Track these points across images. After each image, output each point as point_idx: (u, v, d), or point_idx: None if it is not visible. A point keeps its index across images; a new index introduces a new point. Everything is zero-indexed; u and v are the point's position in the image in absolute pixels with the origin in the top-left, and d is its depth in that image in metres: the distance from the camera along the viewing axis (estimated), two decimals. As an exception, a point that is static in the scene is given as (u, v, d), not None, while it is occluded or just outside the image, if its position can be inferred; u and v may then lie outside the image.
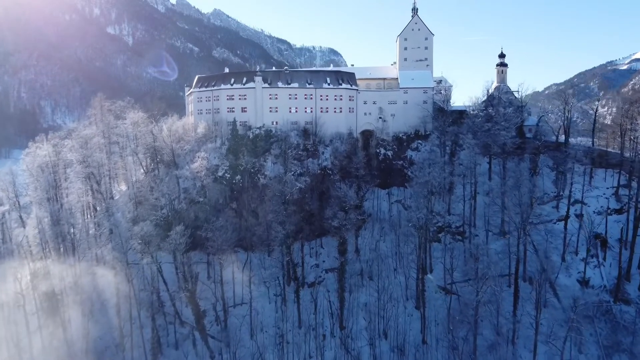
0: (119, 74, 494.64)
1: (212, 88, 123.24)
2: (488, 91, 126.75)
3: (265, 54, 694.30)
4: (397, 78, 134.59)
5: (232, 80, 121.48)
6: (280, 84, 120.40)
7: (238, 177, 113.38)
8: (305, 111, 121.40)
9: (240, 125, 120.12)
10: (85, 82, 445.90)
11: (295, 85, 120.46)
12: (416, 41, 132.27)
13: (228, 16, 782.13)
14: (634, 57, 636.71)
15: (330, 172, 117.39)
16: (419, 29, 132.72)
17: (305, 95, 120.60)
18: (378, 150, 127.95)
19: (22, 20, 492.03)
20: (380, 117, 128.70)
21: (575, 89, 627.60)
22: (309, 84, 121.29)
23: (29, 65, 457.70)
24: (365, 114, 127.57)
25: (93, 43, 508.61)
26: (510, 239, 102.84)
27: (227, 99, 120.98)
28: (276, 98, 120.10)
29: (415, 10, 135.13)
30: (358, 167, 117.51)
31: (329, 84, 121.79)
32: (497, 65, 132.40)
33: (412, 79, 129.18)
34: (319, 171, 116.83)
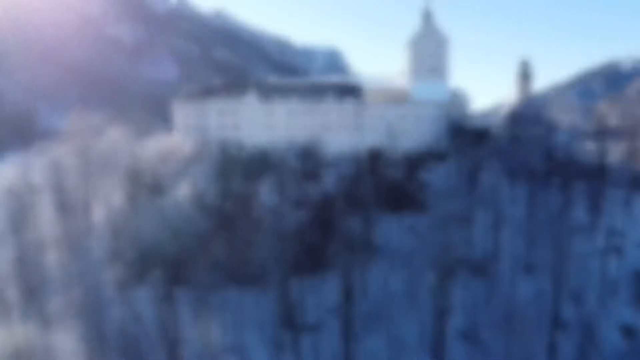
0: (117, 75, 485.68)
1: (200, 102, 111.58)
2: (510, 107, 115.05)
3: (266, 54, 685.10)
4: (408, 88, 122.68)
5: (223, 93, 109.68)
6: (277, 98, 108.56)
7: (229, 204, 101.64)
8: (306, 129, 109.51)
9: (231, 144, 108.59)
10: (83, 84, 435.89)
11: (295, 99, 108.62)
12: (429, 48, 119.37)
13: (229, 17, 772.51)
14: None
15: (333, 199, 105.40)
16: (432, 34, 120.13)
17: (306, 111, 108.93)
18: (387, 172, 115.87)
19: (20, 20, 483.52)
20: (389, 134, 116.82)
21: (578, 89, 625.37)
22: (310, 98, 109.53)
23: (25, 66, 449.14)
24: (372, 130, 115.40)
25: (92, 44, 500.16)
26: (540, 277, 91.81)
27: (217, 115, 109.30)
28: (273, 114, 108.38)
29: (427, 13, 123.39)
30: (365, 194, 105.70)
31: (332, 98, 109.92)
32: (520, 75, 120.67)
33: (425, 91, 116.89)
34: (320, 198, 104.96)
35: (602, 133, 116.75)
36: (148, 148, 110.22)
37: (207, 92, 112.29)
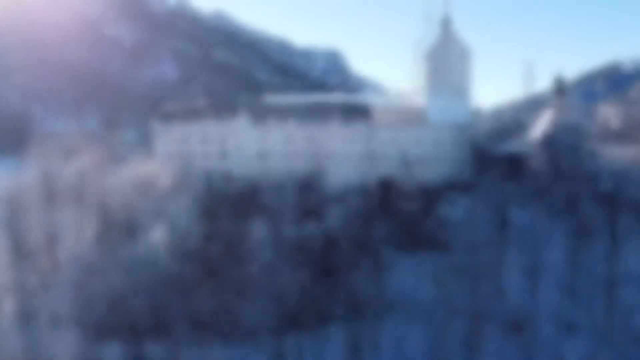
0: (116, 76, 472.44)
1: (182, 124, 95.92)
2: (545, 130, 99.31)
3: (266, 55, 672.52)
4: (424, 108, 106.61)
5: (209, 115, 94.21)
6: (272, 121, 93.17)
7: (215, 247, 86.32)
8: (306, 157, 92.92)
9: (219, 176, 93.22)
10: (80, 86, 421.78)
11: (293, 122, 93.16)
12: (449, 61, 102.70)
13: (229, 17, 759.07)
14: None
15: (338, 240, 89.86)
16: (452, 45, 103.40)
17: (306, 135, 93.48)
18: (401, 206, 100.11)
19: (17, 20, 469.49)
20: (403, 162, 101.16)
21: (580, 90, 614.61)
22: (311, 121, 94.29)
23: (21, 67, 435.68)
24: (384, 158, 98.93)
25: (90, 44, 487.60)
26: (585, 337, 76.72)
27: (202, 141, 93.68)
28: (267, 140, 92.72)
29: (446, 20, 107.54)
30: (376, 233, 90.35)
31: (337, 120, 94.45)
32: (555, 91, 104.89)
33: (445, 112, 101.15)
34: (323, 240, 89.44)
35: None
36: (122, 178, 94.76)
37: (190, 113, 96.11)
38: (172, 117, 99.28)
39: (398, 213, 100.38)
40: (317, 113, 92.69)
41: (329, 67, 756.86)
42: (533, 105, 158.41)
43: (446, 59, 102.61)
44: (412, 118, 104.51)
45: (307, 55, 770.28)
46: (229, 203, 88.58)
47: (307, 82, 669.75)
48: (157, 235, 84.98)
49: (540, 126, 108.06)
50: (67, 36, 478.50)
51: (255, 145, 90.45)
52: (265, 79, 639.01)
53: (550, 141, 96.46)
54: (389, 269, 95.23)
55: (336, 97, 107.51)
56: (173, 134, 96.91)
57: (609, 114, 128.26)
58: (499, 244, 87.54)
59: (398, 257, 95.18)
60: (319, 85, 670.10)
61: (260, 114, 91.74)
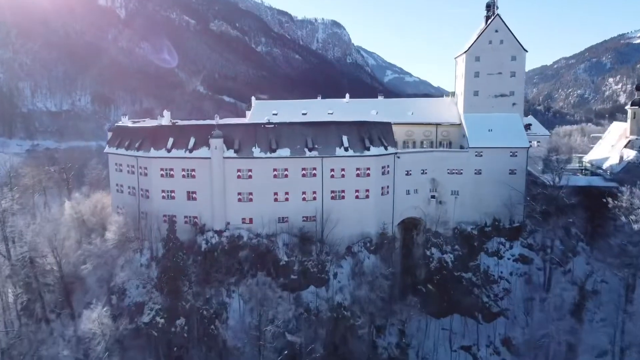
0: (109, 49, 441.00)
1: (137, 151, 69.97)
2: (622, 158, 72.95)
3: (265, 27, 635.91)
4: (460, 124, 79.68)
5: (171, 140, 68.03)
6: (256, 151, 66.61)
7: (180, 322, 61.43)
8: (304, 199, 65.49)
9: (185, 224, 67.18)
10: (70, 61, 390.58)
11: (286, 152, 66.67)
12: (496, 62, 75.10)
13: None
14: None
15: (347, 311, 64.93)
16: (501, 43, 75.24)
17: (304, 170, 65.34)
18: (429, 253, 74.78)
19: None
20: (433, 197, 75.15)
21: (587, 64, 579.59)
22: (311, 149, 67.53)
23: (7, 42, 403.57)
24: (407, 192, 71.89)
25: (82, 15, 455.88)
26: None
27: (162, 175, 67.65)
28: (250, 176, 65.75)
29: (492, 6, 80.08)
30: (396, 293, 65.53)
31: (346, 148, 68.24)
32: (634, 104, 78.27)
33: (490, 130, 74.44)
34: (328, 314, 64.39)
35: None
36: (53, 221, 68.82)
37: (150, 137, 70.21)
38: (125, 137, 73.02)
39: (426, 263, 74.99)
40: (319, 137, 66.29)
41: (330, 39, 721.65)
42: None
43: (491, 60, 75.39)
44: (444, 134, 78.32)
45: (307, 26, 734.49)
46: (199, 264, 63.22)
47: (308, 54, 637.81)
48: (101, 313, 60.01)
49: (610, 146, 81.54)
50: (57, 6, 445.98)
51: (235, 183, 64.04)
52: (265, 51, 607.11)
53: (629, 171, 70.56)
54: (412, 331, 71.10)
55: (344, 116, 79.43)
56: (127, 162, 71.12)
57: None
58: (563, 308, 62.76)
59: (427, 324, 70.54)
60: (320, 58, 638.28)
61: (242, 140, 65.11)
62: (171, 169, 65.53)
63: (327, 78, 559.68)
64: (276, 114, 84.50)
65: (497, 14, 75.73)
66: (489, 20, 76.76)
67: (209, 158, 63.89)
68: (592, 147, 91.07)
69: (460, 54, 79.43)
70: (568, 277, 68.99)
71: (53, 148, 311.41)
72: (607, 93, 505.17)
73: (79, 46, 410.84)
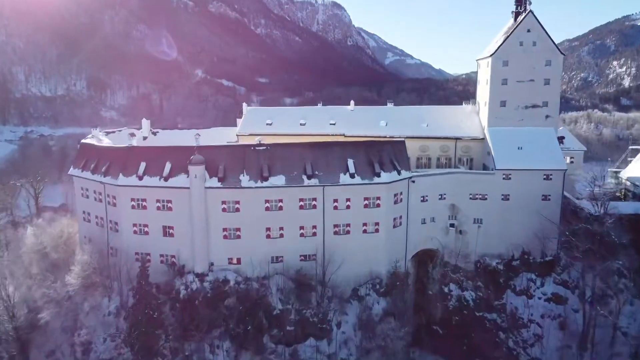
0: (105, 32, 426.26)
1: (104, 177, 58.27)
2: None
3: (265, 8, 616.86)
4: (483, 139, 67.10)
5: (143, 165, 55.52)
6: (245, 179, 54.84)
7: None
8: (302, 234, 54.47)
9: (161, 264, 55.42)
10: (64, 44, 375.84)
11: (280, 179, 55.06)
12: (527, 68, 62.82)
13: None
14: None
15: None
16: (533, 45, 62.66)
17: (302, 201, 53.68)
18: (447, 289, 64.21)
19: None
20: (452, 226, 64.27)
21: (590, 46, 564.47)
22: (310, 176, 55.08)
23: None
24: (423, 220, 60.76)
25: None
26: None
27: (133, 207, 56.71)
28: (237, 209, 54.13)
29: (524, 2, 67.54)
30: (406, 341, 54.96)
31: (352, 174, 56.11)
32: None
33: (520, 148, 62.74)
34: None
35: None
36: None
37: (118, 160, 57.29)
38: (92, 158, 61.30)
39: (441, 296, 64.44)
40: (319, 162, 54.95)
41: (330, 21, 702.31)
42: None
43: (522, 63, 63.41)
44: (464, 149, 67.05)
45: (307, 6, 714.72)
46: (178, 314, 52.63)
47: (308, 36, 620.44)
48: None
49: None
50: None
51: (219, 217, 52.66)
52: (264, 33, 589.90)
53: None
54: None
55: (347, 134, 67.83)
56: (93, 187, 57.92)
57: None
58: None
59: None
60: (320, 40, 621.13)
61: (226, 166, 53.72)
62: (143, 200, 54.31)
63: (327, 61, 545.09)
64: (270, 124, 72.86)
65: (530, 10, 63.35)
66: (520, 18, 64.18)
67: (188, 188, 52.94)
68: (628, 159, 79.46)
69: (484, 57, 66.97)
70: (612, 320, 58.58)
71: (47, 135, 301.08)
72: (611, 76, 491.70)
73: (74, 28, 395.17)
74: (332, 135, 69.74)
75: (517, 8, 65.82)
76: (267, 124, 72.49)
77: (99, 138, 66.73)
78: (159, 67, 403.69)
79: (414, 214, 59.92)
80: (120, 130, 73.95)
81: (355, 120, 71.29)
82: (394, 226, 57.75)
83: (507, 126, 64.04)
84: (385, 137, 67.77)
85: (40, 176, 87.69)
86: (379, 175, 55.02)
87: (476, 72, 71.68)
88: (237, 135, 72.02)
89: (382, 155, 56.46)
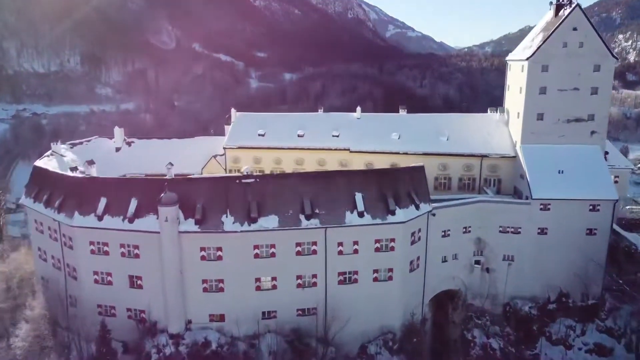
0: (99, 4, 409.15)
1: (57, 212, 46.00)
2: None
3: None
4: (514, 157, 56.59)
5: (104, 201, 43.37)
6: (229, 221, 43.11)
7: None
8: (300, 285, 44.08)
9: (129, 319, 45.15)
10: (57, 18, 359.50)
11: (272, 220, 43.13)
12: (572, 74, 51.24)
13: None
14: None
15: None
16: (580, 46, 51.08)
17: (300, 245, 43.47)
18: (470, 335, 54.40)
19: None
20: (477, 263, 53.98)
21: (596, 19, 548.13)
22: (309, 216, 43.91)
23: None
24: (444, 259, 50.41)
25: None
26: None
27: (93, 251, 46.36)
28: (219, 257, 42.74)
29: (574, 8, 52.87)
30: None
31: (361, 212, 44.25)
32: None
33: (560, 172, 51.96)
34: None
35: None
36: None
37: (73, 193, 45.97)
38: (46, 186, 51.10)
39: (464, 342, 54.69)
40: (320, 197, 44.36)
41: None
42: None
43: (565, 67, 51.93)
44: (490, 167, 56.68)
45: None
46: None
47: (308, 9, 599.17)
48: None
49: None
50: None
51: (199, 267, 42.20)
52: (263, 5, 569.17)
53: None
54: None
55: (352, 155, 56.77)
56: (48, 224, 47.10)
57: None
58: None
59: None
60: (320, 13, 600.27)
61: (205, 205, 43.09)
62: (105, 244, 43.80)
63: (327, 34, 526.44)
64: (263, 135, 61.75)
65: (577, 4, 51.60)
66: (565, 13, 52.11)
67: (158, 232, 42.49)
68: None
69: (518, 59, 55.23)
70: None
71: (41, 113, 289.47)
72: (616, 50, 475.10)
73: (67, 2, 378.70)
74: (335, 149, 59.05)
75: (558, 0, 54.07)
76: (259, 135, 61.40)
77: (60, 154, 55.79)
78: (155, 40, 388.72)
79: (434, 251, 49.34)
80: (88, 141, 62.60)
81: (362, 131, 60.10)
82: (411, 270, 47.24)
83: (544, 143, 52.77)
84: (397, 153, 57.11)
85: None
86: (393, 212, 44.23)
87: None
88: (224, 148, 61.23)
89: (397, 186, 45.61)
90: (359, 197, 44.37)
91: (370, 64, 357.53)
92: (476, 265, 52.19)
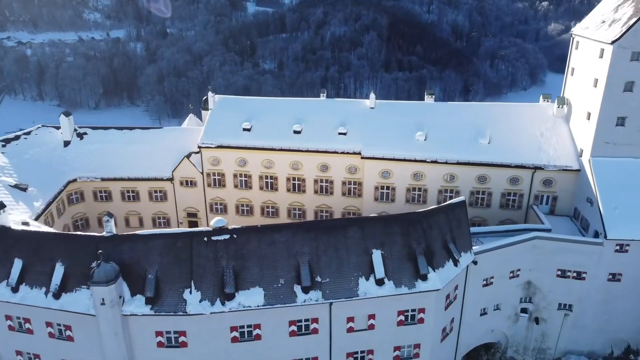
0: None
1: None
2: None
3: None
4: (579, 170, 42.65)
5: (19, 264, 29.49)
6: (193, 299, 28.56)
7: None
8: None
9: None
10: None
11: (257, 295, 28.93)
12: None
13: None
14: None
15: None
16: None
17: (295, 324, 29.85)
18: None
19: None
20: (524, 312, 41.33)
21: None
22: (307, 288, 30.08)
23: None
24: (483, 311, 38.24)
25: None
26: None
27: (11, 327, 32.32)
28: (182, 343, 29.06)
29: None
30: None
31: (380, 279, 30.29)
32: None
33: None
34: None
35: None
36: None
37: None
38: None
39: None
40: (320, 259, 31.25)
41: None
42: None
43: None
44: (545, 181, 43.00)
45: None
46: None
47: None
48: None
49: None
50: None
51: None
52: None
53: None
54: None
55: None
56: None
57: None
58: None
59: None
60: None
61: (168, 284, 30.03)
62: (26, 320, 31.33)
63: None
64: (249, 129, 46.85)
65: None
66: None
67: (93, 315, 29.73)
68: None
69: (596, 39, 39.18)
70: None
71: (26, 42, 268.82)
72: None
73: None
74: (342, 153, 44.56)
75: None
76: (244, 129, 46.46)
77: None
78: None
79: (472, 306, 36.68)
80: (28, 134, 47.97)
81: (377, 126, 45.16)
82: (442, 339, 35.07)
83: (623, 156, 38.73)
84: (424, 161, 42.86)
85: None
86: (424, 277, 31.08)
87: None
88: (199, 147, 46.89)
89: (429, 236, 32.06)
90: (377, 256, 30.71)
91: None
92: (522, 315, 39.70)
